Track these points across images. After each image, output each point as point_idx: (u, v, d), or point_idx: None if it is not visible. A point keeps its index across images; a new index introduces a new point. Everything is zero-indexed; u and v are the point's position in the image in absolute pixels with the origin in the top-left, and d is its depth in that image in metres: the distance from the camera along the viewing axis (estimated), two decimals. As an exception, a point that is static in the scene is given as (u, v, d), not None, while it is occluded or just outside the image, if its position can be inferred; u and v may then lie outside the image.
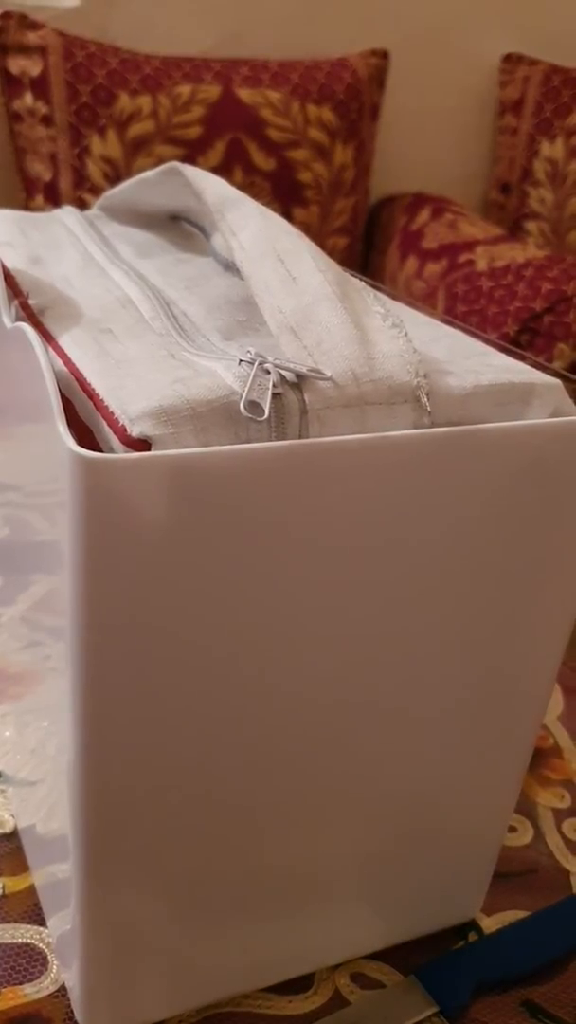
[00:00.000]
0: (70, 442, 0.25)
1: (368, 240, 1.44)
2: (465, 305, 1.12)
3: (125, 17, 1.24)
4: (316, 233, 1.28)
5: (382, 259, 1.38)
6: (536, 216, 1.44)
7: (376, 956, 0.41)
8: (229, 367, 0.28)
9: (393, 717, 0.34)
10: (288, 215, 1.25)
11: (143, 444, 0.26)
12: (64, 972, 0.38)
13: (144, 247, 0.43)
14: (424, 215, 1.35)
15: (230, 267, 0.39)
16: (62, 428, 0.26)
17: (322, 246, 1.28)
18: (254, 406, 0.27)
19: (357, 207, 1.32)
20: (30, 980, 0.38)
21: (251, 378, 0.27)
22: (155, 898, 0.34)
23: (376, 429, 0.29)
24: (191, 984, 0.37)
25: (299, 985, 0.39)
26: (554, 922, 0.42)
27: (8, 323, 0.32)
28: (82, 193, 1.16)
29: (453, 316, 1.12)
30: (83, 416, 0.29)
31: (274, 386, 0.27)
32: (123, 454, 0.25)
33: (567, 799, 0.51)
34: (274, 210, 1.23)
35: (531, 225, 1.45)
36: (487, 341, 0.36)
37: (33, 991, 0.38)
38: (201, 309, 0.34)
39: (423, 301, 1.21)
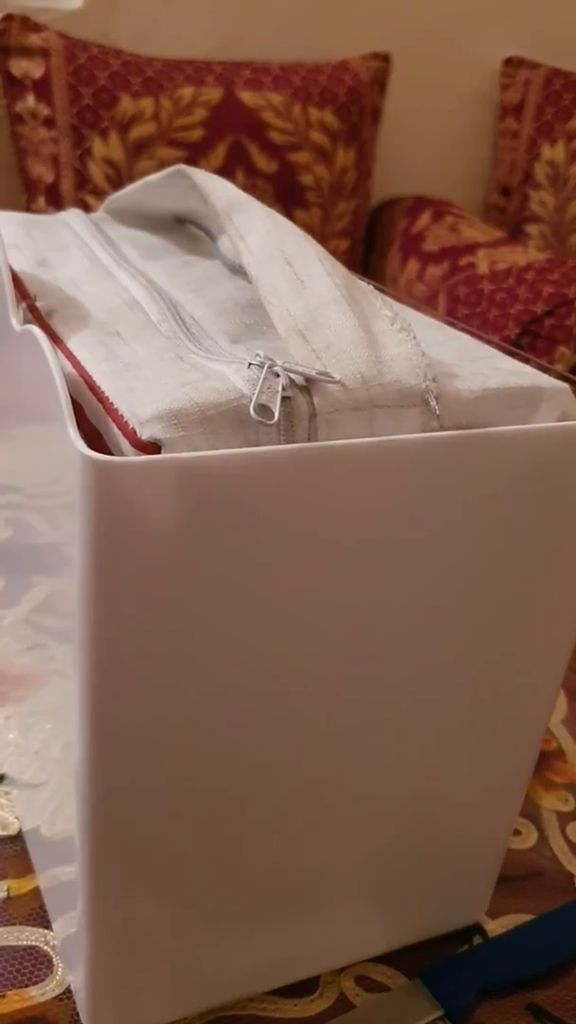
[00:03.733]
0: (81, 445, 0.25)
1: (369, 243, 1.44)
2: (466, 308, 1.12)
3: (127, 20, 1.24)
4: (317, 236, 1.28)
5: (383, 262, 1.38)
6: (537, 219, 1.44)
7: (381, 959, 0.41)
8: (238, 370, 0.28)
9: (400, 720, 0.34)
10: (289, 218, 1.25)
11: (153, 447, 0.26)
12: (70, 975, 0.38)
13: (150, 250, 0.43)
14: (425, 218, 1.35)
15: (237, 270, 0.39)
16: (73, 431, 0.26)
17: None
18: (264, 409, 0.27)
19: (358, 210, 1.32)
20: (35, 983, 0.38)
21: (261, 381, 0.27)
22: (161, 900, 0.34)
23: (385, 432, 0.29)
24: (197, 987, 0.37)
25: (304, 988, 0.39)
26: (559, 925, 0.42)
27: (17, 325, 0.32)
28: (84, 195, 1.16)
29: (454, 319, 1.12)
30: (92, 419, 0.29)
31: (283, 389, 0.27)
32: (133, 457, 0.25)
33: (571, 802, 0.51)
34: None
35: (532, 228, 1.45)
36: (493, 344, 0.37)
37: (38, 994, 0.38)
38: (208, 312, 0.34)
39: (424, 304, 1.21)
